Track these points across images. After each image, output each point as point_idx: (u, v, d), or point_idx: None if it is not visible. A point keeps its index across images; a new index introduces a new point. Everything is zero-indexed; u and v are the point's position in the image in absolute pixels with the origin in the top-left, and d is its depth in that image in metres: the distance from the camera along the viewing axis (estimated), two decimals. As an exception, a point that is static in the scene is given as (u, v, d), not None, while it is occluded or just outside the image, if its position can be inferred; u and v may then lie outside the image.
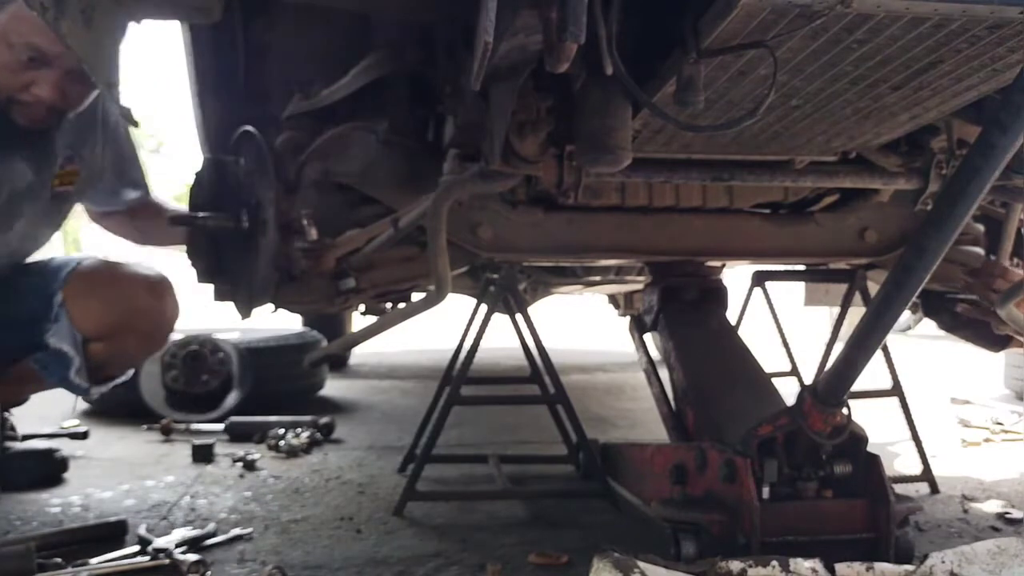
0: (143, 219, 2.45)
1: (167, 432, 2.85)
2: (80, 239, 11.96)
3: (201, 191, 1.77)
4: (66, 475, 2.29)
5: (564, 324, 6.74)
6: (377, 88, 1.70)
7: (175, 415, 2.98)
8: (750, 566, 1.28)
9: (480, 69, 1.04)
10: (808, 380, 1.61)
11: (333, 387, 3.83)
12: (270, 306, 1.80)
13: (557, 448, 2.27)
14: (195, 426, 2.92)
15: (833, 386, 1.40)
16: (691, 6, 1.05)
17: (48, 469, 2.28)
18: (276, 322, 2.13)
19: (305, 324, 4.12)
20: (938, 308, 2.20)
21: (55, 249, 2.74)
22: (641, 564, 1.25)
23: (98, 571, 1.57)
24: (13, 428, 2.42)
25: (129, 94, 1.46)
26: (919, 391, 3.38)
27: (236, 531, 1.80)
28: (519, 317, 2.09)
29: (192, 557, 1.59)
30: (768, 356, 2.14)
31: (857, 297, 2.19)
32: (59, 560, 1.56)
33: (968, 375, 4.40)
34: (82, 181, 2.21)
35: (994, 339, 2.06)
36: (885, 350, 2.11)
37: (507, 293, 2.08)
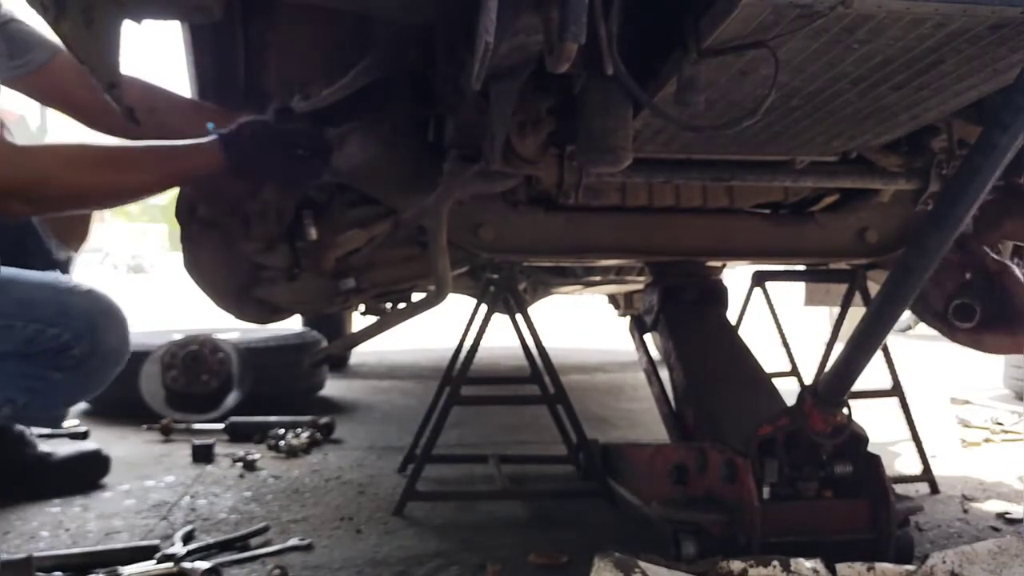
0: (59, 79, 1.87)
1: (167, 432, 2.85)
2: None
3: None
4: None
5: (564, 324, 6.74)
6: (377, 88, 1.70)
7: (175, 415, 2.98)
8: (751, 566, 1.28)
9: (481, 69, 1.04)
10: (808, 380, 1.61)
11: (333, 387, 3.82)
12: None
13: (557, 448, 2.27)
14: (195, 426, 2.92)
15: (833, 386, 1.40)
16: (692, 6, 1.05)
17: (97, 470, 2.24)
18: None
19: (305, 324, 4.12)
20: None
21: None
22: (642, 564, 1.26)
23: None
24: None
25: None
26: (919, 391, 3.38)
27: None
28: (519, 317, 2.09)
29: (203, 565, 1.57)
30: (768, 356, 2.14)
31: (857, 297, 2.19)
32: (59, 574, 1.55)
33: (968, 375, 4.40)
34: None
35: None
36: (885, 350, 2.11)
37: (507, 293, 2.08)
